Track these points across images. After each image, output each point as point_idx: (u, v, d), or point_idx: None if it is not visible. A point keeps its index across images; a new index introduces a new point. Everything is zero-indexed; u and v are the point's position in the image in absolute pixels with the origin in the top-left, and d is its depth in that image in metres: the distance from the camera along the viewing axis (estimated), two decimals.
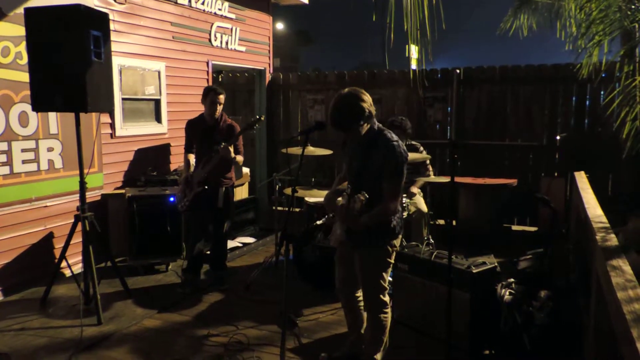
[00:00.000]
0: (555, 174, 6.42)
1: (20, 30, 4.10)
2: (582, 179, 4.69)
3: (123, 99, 5.42)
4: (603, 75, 5.56)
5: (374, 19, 3.35)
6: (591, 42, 3.69)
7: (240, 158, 4.57)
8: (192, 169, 4.60)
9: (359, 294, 3.09)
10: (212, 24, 6.62)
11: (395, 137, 2.82)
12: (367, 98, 2.77)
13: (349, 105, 2.71)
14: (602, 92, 6.13)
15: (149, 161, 5.73)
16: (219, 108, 4.49)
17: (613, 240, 2.64)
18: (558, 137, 5.97)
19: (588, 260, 3.25)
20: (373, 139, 2.81)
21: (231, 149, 4.35)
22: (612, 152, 5.91)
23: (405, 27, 3.43)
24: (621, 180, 6.17)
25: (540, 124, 6.50)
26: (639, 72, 3.41)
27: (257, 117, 4.39)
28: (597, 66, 4.12)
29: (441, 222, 6.35)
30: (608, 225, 2.98)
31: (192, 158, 4.67)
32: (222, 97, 4.49)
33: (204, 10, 6.43)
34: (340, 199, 2.96)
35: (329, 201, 3.03)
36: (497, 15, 7.08)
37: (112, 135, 5.35)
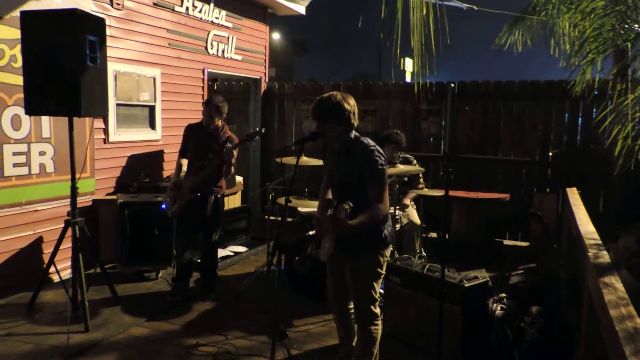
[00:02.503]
0: (547, 190, 6.46)
1: (16, 33, 4.08)
2: (574, 195, 4.71)
3: (117, 105, 5.39)
4: (596, 92, 5.61)
5: (382, 36, 3.36)
6: (584, 59, 3.72)
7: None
8: (182, 175, 4.57)
9: (352, 305, 3.07)
10: (209, 32, 6.63)
11: (372, 143, 2.84)
12: (353, 103, 2.84)
13: (333, 100, 2.79)
14: (594, 110, 6.19)
15: (142, 167, 5.70)
16: (210, 122, 4.42)
17: (605, 257, 2.64)
18: (551, 154, 6.02)
19: (579, 277, 3.25)
20: (350, 147, 2.83)
21: (235, 153, 4.34)
22: (604, 169, 5.96)
23: (412, 42, 3.45)
24: (613, 197, 6.22)
25: (533, 140, 6.55)
26: (631, 91, 3.43)
27: (257, 129, 4.39)
28: (590, 84, 4.15)
29: (433, 235, 6.36)
30: (600, 242, 2.98)
31: (184, 163, 4.64)
32: (215, 110, 4.39)
33: (200, 19, 6.44)
34: (330, 210, 2.95)
35: (318, 219, 3.04)
36: (492, 31, 7.14)
37: (106, 141, 5.32)
